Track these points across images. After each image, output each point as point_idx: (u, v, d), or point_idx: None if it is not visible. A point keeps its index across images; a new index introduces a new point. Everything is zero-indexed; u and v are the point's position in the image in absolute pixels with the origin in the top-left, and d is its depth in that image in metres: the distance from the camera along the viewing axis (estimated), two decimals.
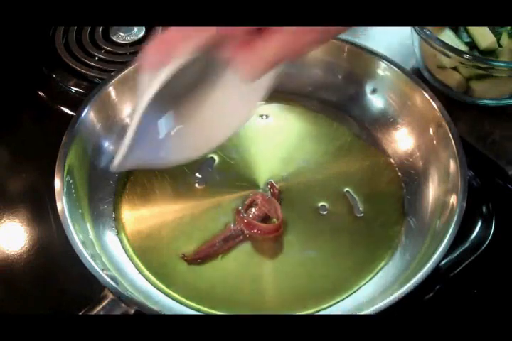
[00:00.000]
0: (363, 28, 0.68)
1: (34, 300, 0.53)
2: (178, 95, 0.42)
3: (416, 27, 0.58)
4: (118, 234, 0.54)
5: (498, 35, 0.58)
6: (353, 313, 0.47)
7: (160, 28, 0.67)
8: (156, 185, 0.56)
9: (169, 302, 0.50)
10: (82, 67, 0.65)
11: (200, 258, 0.52)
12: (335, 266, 0.52)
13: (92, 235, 0.51)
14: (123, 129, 0.57)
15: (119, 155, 0.41)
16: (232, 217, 0.54)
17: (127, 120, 0.58)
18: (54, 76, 0.66)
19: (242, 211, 0.54)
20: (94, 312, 0.44)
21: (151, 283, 0.51)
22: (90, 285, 0.46)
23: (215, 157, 0.58)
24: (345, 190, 0.56)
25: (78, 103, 0.55)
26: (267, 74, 0.37)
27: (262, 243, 0.53)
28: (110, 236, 0.53)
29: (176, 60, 0.37)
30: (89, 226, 0.52)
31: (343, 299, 0.50)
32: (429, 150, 0.55)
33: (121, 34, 0.68)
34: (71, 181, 0.51)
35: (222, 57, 0.38)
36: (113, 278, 0.46)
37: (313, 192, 0.56)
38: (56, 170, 0.50)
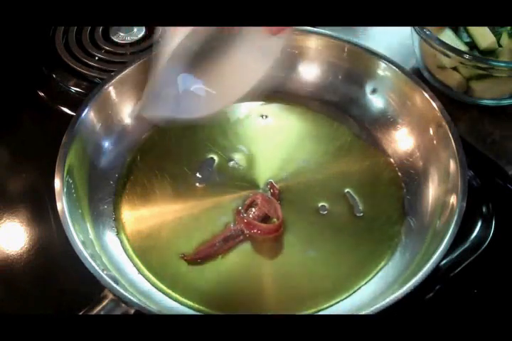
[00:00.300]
0: (363, 28, 0.68)
1: (34, 300, 0.53)
2: (198, 55, 0.45)
3: (416, 27, 0.58)
4: (118, 234, 0.54)
5: (498, 35, 0.58)
6: (353, 313, 0.47)
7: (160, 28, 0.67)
8: (156, 185, 0.56)
9: (169, 303, 0.50)
10: (82, 67, 0.65)
11: (200, 258, 0.52)
12: (335, 266, 0.52)
13: (92, 235, 0.51)
14: (123, 129, 0.58)
15: (141, 101, 0.45)
16: (232, 217, 0.54)
17: (127, 120, 0.58)
18: (54, 76, 0.66)
19: (242, 211, 0.54)
20: (94, 312, 0.44)
21: (151, 283, 0.51)
22: (90, 285, 0.46)
23: (215, 157, 0.58)
24: (346, 190, 0.56)
25: (78, 103, 0.55)
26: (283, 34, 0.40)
27: (262, 243, 0.53)
28: (110, 236, 0.53)
29: None
30: (89, 226, 0.52)
31: (343, 299, 0.50)
32: (429, 150, 0.55)
33: (121, 34, 0.68)
34: (71, 181, 0.51)
35: None
36: (113, 278, 0.46)
37: (313, 192, 0.56)
38: (56, 170, 0.50)
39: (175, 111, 0.46)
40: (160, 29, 0.42)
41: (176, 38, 0.40)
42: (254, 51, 0.44)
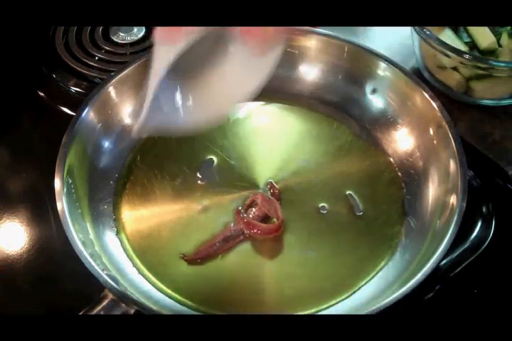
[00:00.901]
0: (363, 28, 0.68)
1: (34, 300, 0.53)
2: (191, 67, 0.44)
3: (416, 27, 0.58)
4: (118, 234, 0.54)
5: (498, 35, 0.58)
6: (353, 313, 0.47)
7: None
8: (156, 185, 0.56)
9: (169, 303, 0.50)
10: (82, 67, 0.65)
11: (200, 258, 0.52)
12: (335, 266, 0.52)
13: (92, 235, 0.51)
14: (123, 129, 0.58)
15: (139, 121, 0.43)
16: (232, 217, 0.54)
17: (127, 120, 0.58)
18: (54, 76, 0.66)
19: (242, 211, 0.54)
20: (94, 312, 0.44)
21: (151, 283, 0.51)
22: (90, 285, 0.46)
23: (215, 157, 0.58)
24: (346, 190, 0.56)
25: (78, 103, 0.55)
26: (274, 48, 0.40)
27: (262, 243, 0.53)
28: (110, 236, 0.53)
29: (189, 35, 0.39)
30: (89, 226, 0.51)
31: (343, 299, 0.50)
32: (429, 150, 0.55)
33: (121, 34, 0.68)
34: (71, 181, 0.51)
35: (231, 34, 0.40)
36: (113, 278, 0.46)
37: (313, 192, 0.56)
38: (56, 170, 0.50)
39: (169, 123, 0.46)
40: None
41: (172, 50, 0.40)
42: (244, 67, 0.44)
